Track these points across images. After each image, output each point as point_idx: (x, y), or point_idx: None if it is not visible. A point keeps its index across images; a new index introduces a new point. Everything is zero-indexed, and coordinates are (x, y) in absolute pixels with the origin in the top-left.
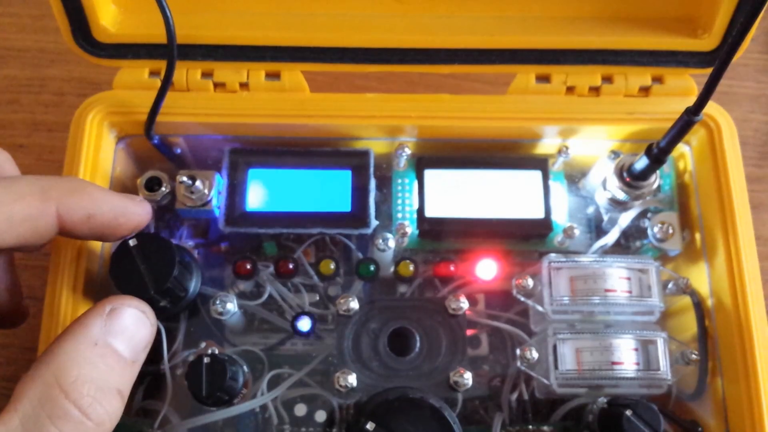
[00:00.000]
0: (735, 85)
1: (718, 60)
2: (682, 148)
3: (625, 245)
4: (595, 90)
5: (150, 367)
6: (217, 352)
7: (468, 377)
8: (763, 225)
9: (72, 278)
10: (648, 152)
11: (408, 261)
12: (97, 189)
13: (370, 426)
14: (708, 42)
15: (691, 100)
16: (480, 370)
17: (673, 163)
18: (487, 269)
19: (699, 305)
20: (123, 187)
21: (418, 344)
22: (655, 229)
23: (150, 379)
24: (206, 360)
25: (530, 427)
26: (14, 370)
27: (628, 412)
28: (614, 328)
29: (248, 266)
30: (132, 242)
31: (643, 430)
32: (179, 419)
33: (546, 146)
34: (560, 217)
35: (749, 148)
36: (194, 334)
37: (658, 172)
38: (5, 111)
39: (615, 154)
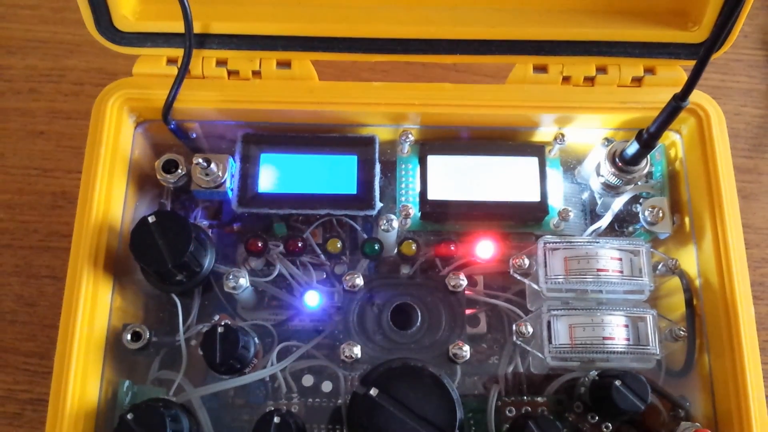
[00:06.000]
0: (728, 80)
1: (703, 47)
2: (672, 136)
3: (620, 230)
4: (589, 80)
5: (166, 339)
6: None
7: (466, 349)
8: (753, 214)
9: (93, 254)
10: (638, 138)
11: (411, 241)
12: None
13: (373, 391)
14: (698, 34)
15: None
16: (479, 347)
17: (665, 151)
18: (485, 249)
19: (687, 285)
20: (141, 168)
21: (419, 319)
22: (646, 213)
23: (166, 351)
24: (220, 329)
25: (525, 398)
26: (34, 346)
27: (617, 382)
28: (606, 305)
29: (259, 244)
30: (151, 219)
31: (631, 399)
32: (193, 388)
33: (543, 134)
34: (556, 202)
35: (741, 140)
36: (208, 308)
37: (648, 157)
38: (26, 99)
39: (609, 141)
